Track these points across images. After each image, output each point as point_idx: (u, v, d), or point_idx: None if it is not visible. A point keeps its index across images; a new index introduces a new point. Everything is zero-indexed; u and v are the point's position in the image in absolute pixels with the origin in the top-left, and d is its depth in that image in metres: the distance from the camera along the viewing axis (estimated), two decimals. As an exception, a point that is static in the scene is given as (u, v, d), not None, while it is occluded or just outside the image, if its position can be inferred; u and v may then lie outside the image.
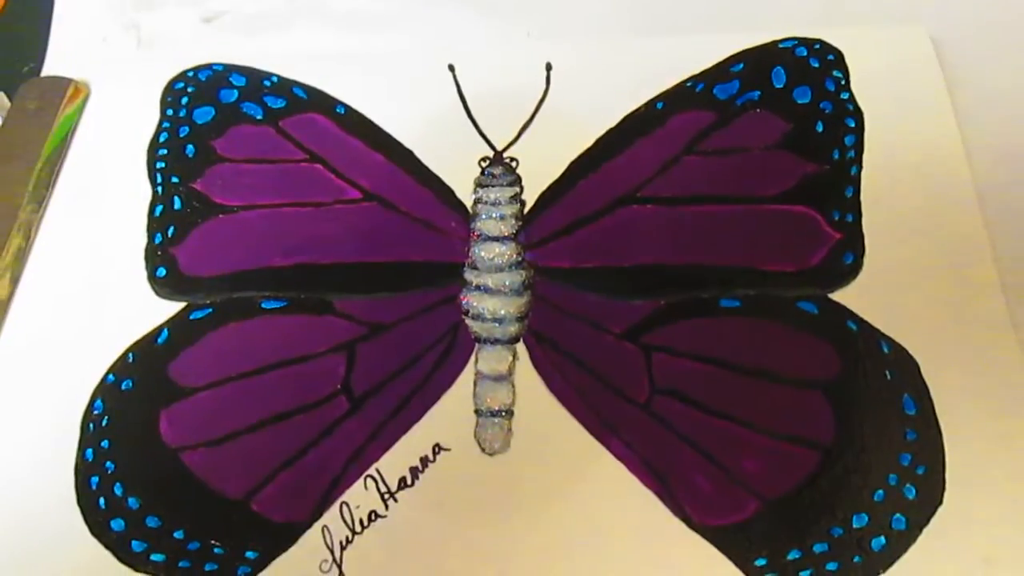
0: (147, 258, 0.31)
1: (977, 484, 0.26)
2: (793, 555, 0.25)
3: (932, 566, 0.25)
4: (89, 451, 0.28)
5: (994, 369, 0.27)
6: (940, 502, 0.25)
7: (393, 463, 0.27)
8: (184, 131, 0.33)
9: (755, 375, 0.28)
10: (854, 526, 0.25)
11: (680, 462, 0.27)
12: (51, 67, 0.37)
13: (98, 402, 0.28)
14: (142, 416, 0.28)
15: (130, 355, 0.29)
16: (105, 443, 0.28)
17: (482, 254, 0.30)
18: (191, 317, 0.30)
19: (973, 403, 0.27)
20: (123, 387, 0.29)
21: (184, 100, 0.34)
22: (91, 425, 0.28)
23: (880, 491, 0.26)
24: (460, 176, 0.32)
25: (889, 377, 0.27)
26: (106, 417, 0.28)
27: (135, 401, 0.28)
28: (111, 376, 0.29)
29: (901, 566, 0.25)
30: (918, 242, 0.30)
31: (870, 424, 0.26)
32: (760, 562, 0.25)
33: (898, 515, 0.25)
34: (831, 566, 0.25)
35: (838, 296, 0.29)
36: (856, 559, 0.25)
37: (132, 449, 0.28)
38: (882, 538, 0.25)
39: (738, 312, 0.29)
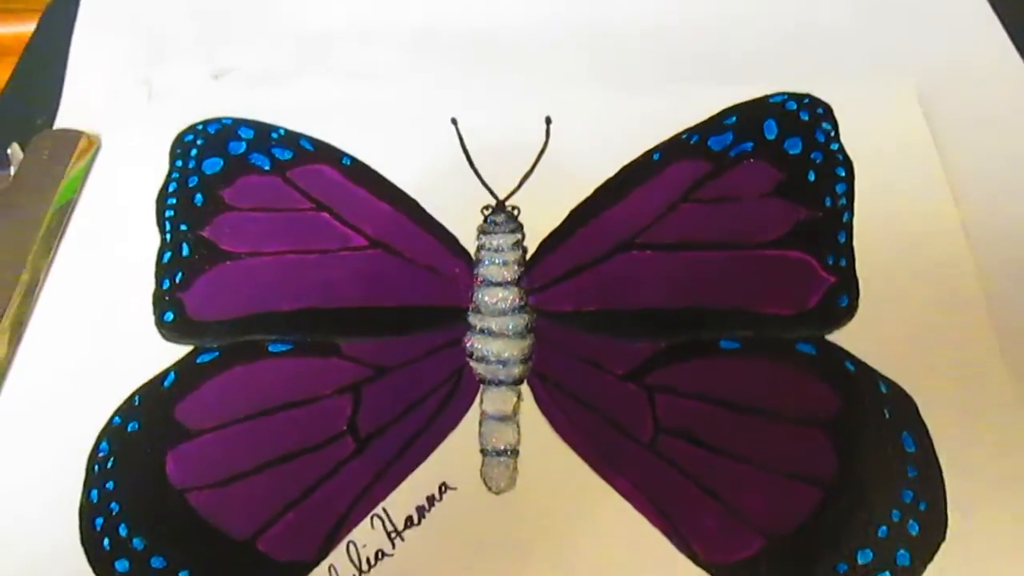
0: (155, 303, 0.32)
1: (979, 519, 0.26)
2: (800, 592, 0.25)
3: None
4: (94, 492, 0.27)
5: (989, 406, 0.28)
6: (943, 537, 0.25)
7: (400, 502, 0.27)
8: (193, 181, 0.34)
9: (756, 414, 0.28)
10: (859, 562, 0.25)
11: (686, 500, 0.27)
12: (64, 120, 0.38)
13: (104, 444, 0.28)
14: (148, 457, 0.28)
15: (136, 398, 0.29)
16: (110, 484, 0.28)
17: (485, 299, 0.31)
18: (198, 360, 0.30)
19: (971, 440, 0.27)
20: (129, 429, 0.29)
21: (193, 152, 0.35)
22: (96, 467, 0.28)
23: (883, 527, 0.26)
24: (463, 224, 0.33)
25: (888, 416, 0.28)
26: (112, 459, 0.28)
27: (141, 443, 0.28)
28: (117, 418, 0.29)
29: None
30: (910, 285, 0.31)
31: (871, 462, 0.27)
32: (768, 599, 0.25)
33: (902, 551, 0.25)
34: (838, 602, 0.25)
35: (835, 337, 0.29)
36: (863, 595, 0.25)
37: (138, 490, 0.27)
38: (887, 574, 0.25)
39: (738, 353, 0.29)
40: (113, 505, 0.27)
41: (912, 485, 0.26)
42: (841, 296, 0.30)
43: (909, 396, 0.28)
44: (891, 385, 0.28)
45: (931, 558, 0.25)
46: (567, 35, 0.40)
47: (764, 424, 0.28)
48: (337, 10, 0.41)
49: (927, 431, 0.27)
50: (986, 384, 0.29)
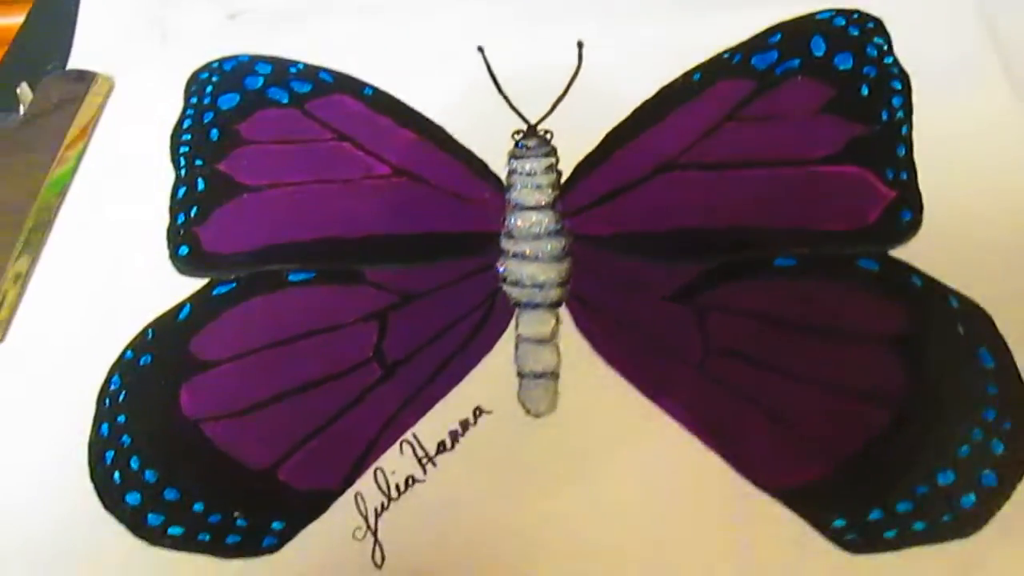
0: (169, 239, 0.30)
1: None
2: (875, 515, 0.23)
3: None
4: (104, 426, 0.26)
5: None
6: (1032, 457, 0.23)
7: (431, 427, 0.25)
8: (208, 116, 0.33)
9: (816, 333, 0.26)
10: (940, 483, 0.23)
11: (743, 421, 0.25)
12: (76, 62, 0.36)
13: (115, 378, 0.27)
14: (161, 389, 0.26)
15: (150, 331, 0.28)
16: (121, 418, 0.26)
17: (518, 223, 0.29)
18: (214, 292, 0.28)
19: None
20: (141, 362, 0.27)
21: (209, 88, 0.34)
22: (107, 400, 0.26)
23: (965, 447, 0.23)
24: (493, 151, 0.31)
25: (962, 331, 0.25)
26: (123, 392, 0.27)
27: (154, 375, 0.27)
28: (129, 352, 0.27)
29: (996, 524, 0.22)
30: (978, 199, 0.28)
31: (946, 380, 0.25)
32: (839, 523, 0.23)
33: (987, 471, 0.23)
34: (918, 525, 0.23)
35: (899, 253, 0.27)
36: (946, 518, 0.23)
37: (150, 422, 0.26)
38: (972, 495, 0.23)
39: (795, 271, 0.27)
40: (124, 438, 0.26)
41: (993, 402, 0.24)
42: (903, 211, 0.28)
43: (984, 311, 0.26)
44: (963, 300, 0.26)
45: (1020, 478, 0.23)
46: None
47: (825, 343, 0.26)
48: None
49: (1006, 346, 0.25)
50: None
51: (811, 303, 0.27)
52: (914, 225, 0.28)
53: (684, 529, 0.23)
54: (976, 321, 0.25)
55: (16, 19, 0.40)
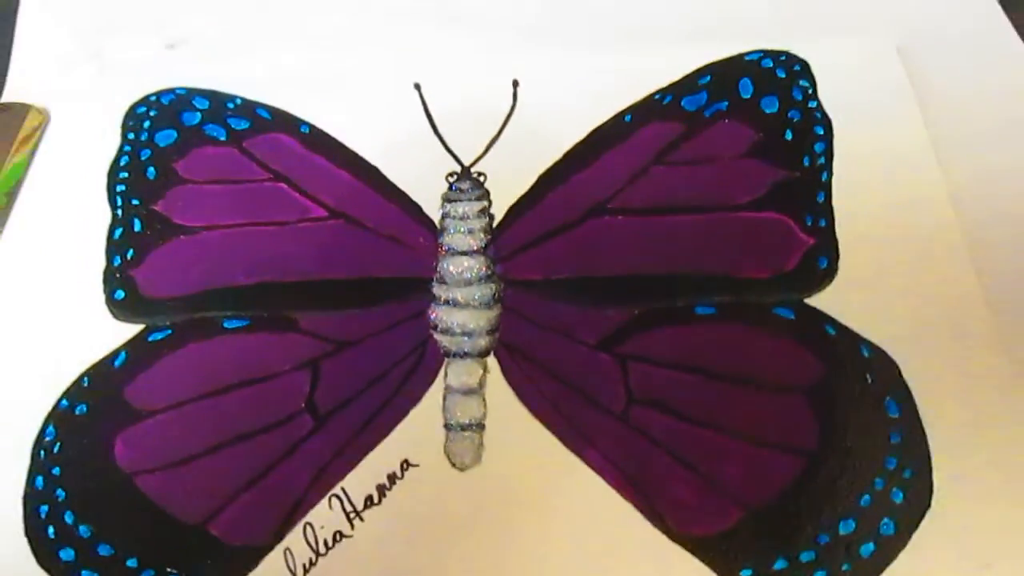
0: (105, 281, 0.30)
1: (968, 487, 0.25)
2: (779, 565, 0.24)
3: (924, 572, 0.24)
4: (39, 478, 0.26)
5: (975, 368, 0.27)
6: (928, 505, 0.24)
7: (359, 480, 0.26)
8: (145, 154, 0.33)
9: (734, 381, 0.27)
10: (841, 532, 0.24)
11: (660, 471, 0.26)
12: (11, 94, 0.36)
13: (50, 428, 0.27)
14: (96, 441, 0.27)
15: (85, 379, 0.28)
16: (56, 470, 0.26)
17: (450, 268, 0.30)
18: (149, 339, 0.29)
19: (956, 403, 0.26)
20: (77, 412, 0.27)
21: (146, 124, 0.33)
22: (42, 452, 0.27)
23: (866, 496, 0.25)
24: (427, 193, 0.31)
25: (870, 380, 0.27)
26: (58, 443, 0.27)
27: (89, 426, 0.27)
28: (65, 401, 0.28)
29: (891, 573, 0.24)
30: (892, 245, 0.29)
31: (854, 428, 0.26)
32: (745, 572, 0.24)
33: (886, 520, 0.24)
34: (819, 574, 0.24)
35: (814, 301, 0.28)
36: (845, 567, 0.24)
37: (84, 475, 0.26)
38: (871, 544, 0.24)
39: (714, 319, 0.28)
40: (59, 492, 0.26)
41: (896, 451, 0.25)
42: (820, 258, 0.29)
43: (892, 360, 0.27)
44: (873, 349, 0.27)
45: (916, 526, 0.24)
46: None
47: (742, 392, 0.27)
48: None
49: (911, 395, 0.26)
50: (972, 346, 0.27)
51: (729, 352, 0.27)
52: (830, 273, 0.29)
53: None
54: (884, 370, 0.27)
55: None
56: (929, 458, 0.25)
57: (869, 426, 0.26)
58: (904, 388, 0.26)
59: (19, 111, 0.35)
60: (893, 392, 0.26)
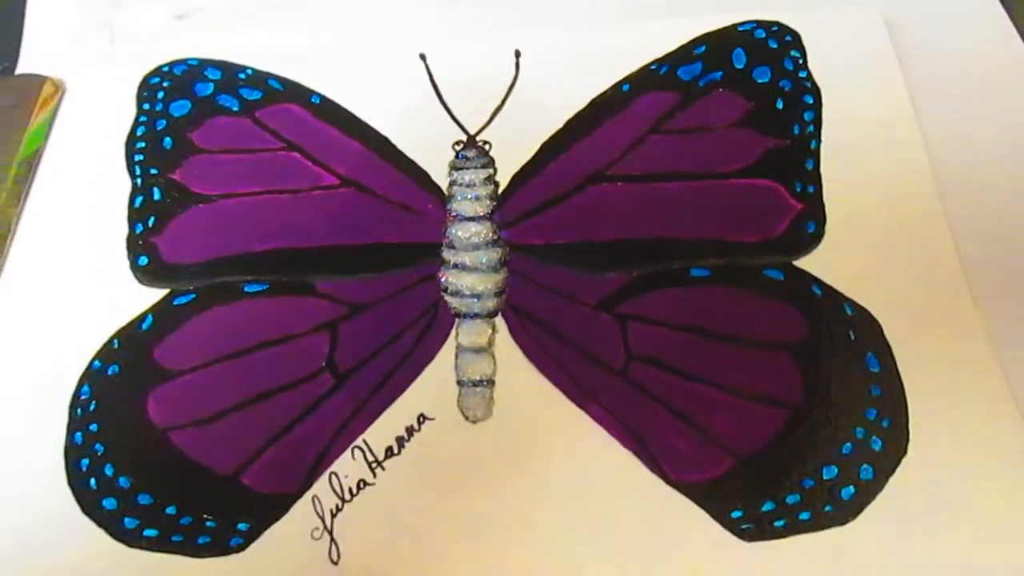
0: (129, 247, 0.32)
1: (939, 435, 0.27)
2: (767, 507, 0.26)
3: (898, 512, 0.26)
4: (78, 434, 0.28)
5: (951, 326, 0.29)
6: (904, 452, 0.27)
7: (379, 433, 0.28)
8: (161, 124, 0.34)
9: (725, 340, 0.29)
10: (824, 478, 0.26)
11: (657, 424, 0.28)
12: (25, 65, 0.37)
13: (85, 387, 0.29)
14: (129, 399, 0.28)
15: (115, 341, 0.30)
16: (93, 426, 0.28)
17: (458, 234, 0.31)
18: (174, 303, 0.30)
19: (932, 359, 0.28)
20: (109, 372, 0.29)
21: (160, 94, 0.35)
22: (79, 410, 0.28)
23: (848, 444, 0.27)
24: (435, 161, 0.33)
25: (853, 337, 0.28)
26: (93, 401, 0.29)
27: (122, 385, 0.29)
28: (97, 362, 0.29)
29: (869, 514, 0.26)
30: (876, 211, 0.31)
31: (836, 382, 0.28)
32: (736, 514, 0.26)
33: (866, 466, 0.26)
34: (804, 515, 0.26)
35: (802, 263, 0.30)
36: (827, 508, 0.26)
37: (121, 431, 0.28)
38: (851, 488, 0.26)
39: (708, 281, 0.30)
40: (97, 446, 0.28)
41: (875, 403, 0.27)
42: (808, 222, 0.31)
43: (874, 318, 0.29)
44: (856, 308, 0.29)
45: (892, 472, 0.26)
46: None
47: (734, 349, 0.29)
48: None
49: (891, 351, 0.28)
50: (948, 305, 0.29)
51: (722, 312, 0.29)
52: (817, 237, 0.30)
53: (605, 522, 0.26)
54: (866, 328, 0.29)
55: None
56: (906, 409, 0.27)
57: (851, 380, 0.28)
58: (884, 344, 0.28)
59: (35, 82, 0.36)
60: (874, 348, 0.28)
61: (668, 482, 0.27)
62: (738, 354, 0.29)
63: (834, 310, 0.29)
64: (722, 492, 0.26)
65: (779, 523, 0.26)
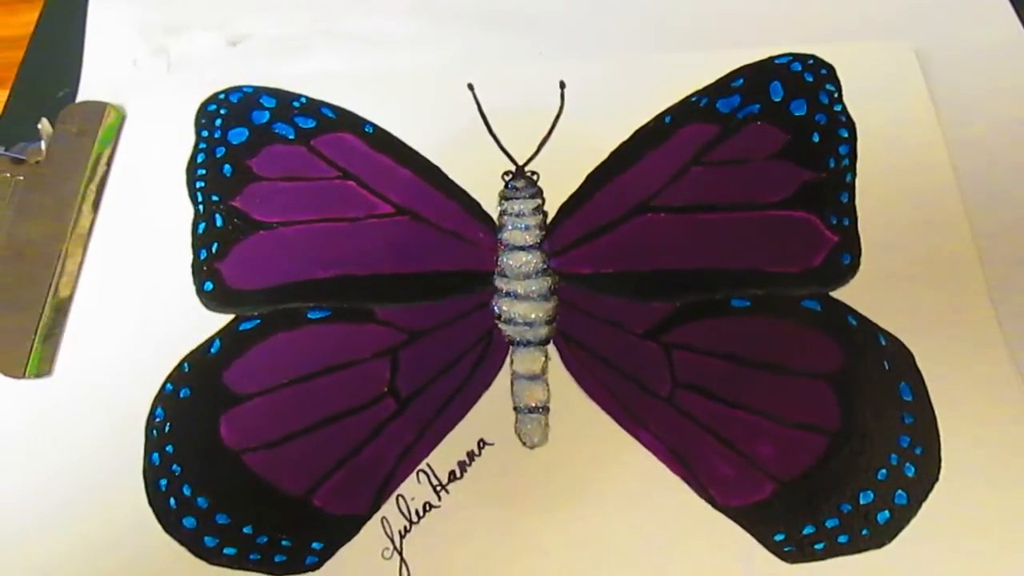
0: (194, 273, 0.33)
1: (970, 461, 0.28)
2: (808, 530, 0.28)
3: (932, 536, 0.28)
4: (155, 455, 0.29)
5: (979, 354, 0.30)
6: (937, 478, 0.28)
7: (442, 458, 0.29)
8: (220, 151, 0.35)
9: (766, 368, 0.30)
10: (861, 503, 0.28)
11: (703, 450, 0.29)
12: (86, 92, 0.38)
13: (159, 410, 0.30)
14: (202, 421, 0.30)
15: (185, 364, 0.31)
16: (169, 448, 0.30)
17: (510, 262, 0.33)
18: (240, 328, 0.32)
19: (962, 387, 0.30)
20: (181, 395, 0.31)
21: (218, 121, 0.36)
22: (154, 432, 0.30)
23: (883, 470, 0.28)
24: (482, 189, 0.34)
25: (887, 367, 0.30)
26: (168, 424, 0.30)
27: (194, 408, 0.30)
28: (169, 385, 0.31)
29: (904, 536, 0.28)
30: (909, 243, 0.33)
31: (871, 410, 0.29)
32: (779, 537, 0.28)
33: (900, 491, 0.28)
34: (842, 539, 0.28)
35: (838, 294, 0.32)
36: (864, 532, 0.28)
37: (196, 453, 0.29)
38: (886, 512, 0.28)
39: (748, 311, 0.31)
40: (175, 467, 0.29)
41: (909, 431, 0.29)
42: (844, 254, 0.32)
43: (907, 348, 0.30)
44: (890, 338, 0.30)
45: (926, 497, 0.28)
46: (572, 3, 0.40)
47: (773, 378, 0.30)
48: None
49: (923, 381, 0.30)
50: (978, 336, 0.31)
51: (762, 341, 0.31)
52: (853, 268, 0.32)
53: (655, 543, 0.28)
54: (900, 357, 0.30)
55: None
56: (938, 437, 0.29)
57: (885, 408, 0.29)
58: (917, 374, 0.30)
59: (97, 109, 0.37)
60: (907, 378, 0.30)
61: (715, 506, 0.28)
62: (778, 383, 0.30)
63: (869, 340, 0.30)
64: (767, 516, 0.28)
65: (819, 546, 0.28)
